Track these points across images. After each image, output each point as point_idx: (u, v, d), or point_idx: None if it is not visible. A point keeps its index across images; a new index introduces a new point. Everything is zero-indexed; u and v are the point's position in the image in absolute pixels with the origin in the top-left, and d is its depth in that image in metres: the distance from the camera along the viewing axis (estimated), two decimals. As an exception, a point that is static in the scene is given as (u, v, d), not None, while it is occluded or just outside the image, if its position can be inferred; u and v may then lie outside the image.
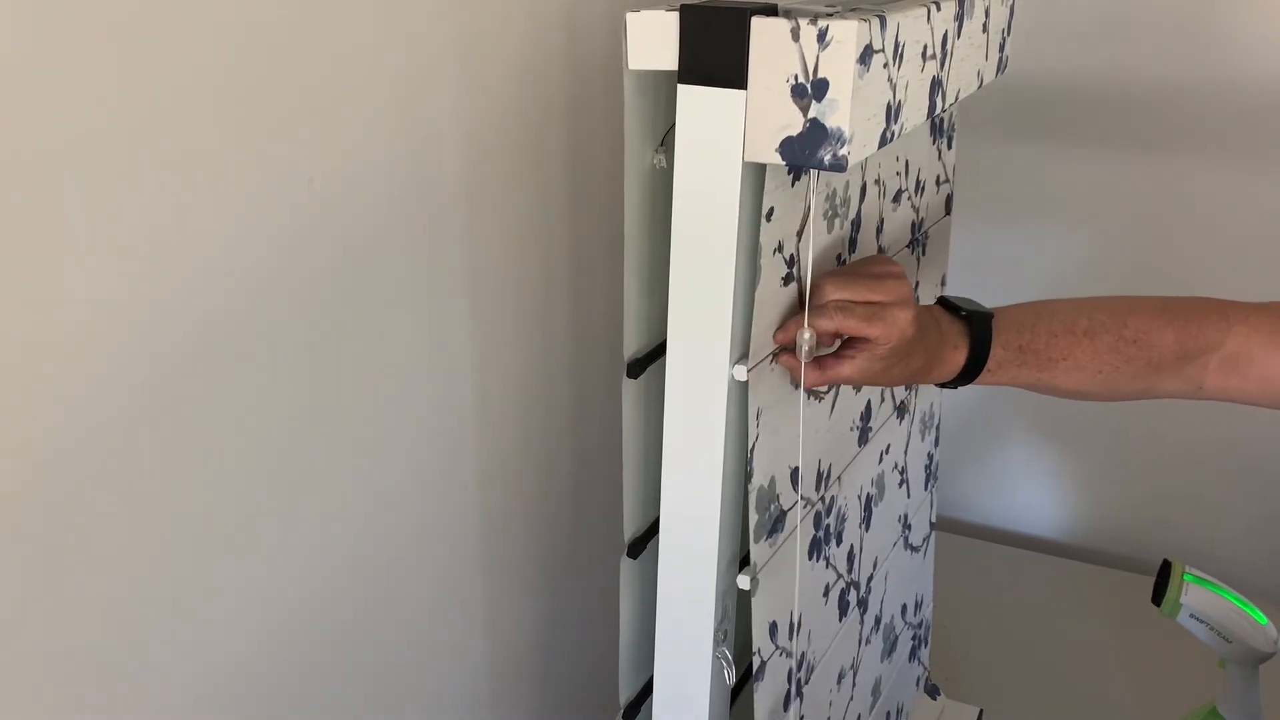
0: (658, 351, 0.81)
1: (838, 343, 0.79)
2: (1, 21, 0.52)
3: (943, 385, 0.86)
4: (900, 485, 1.09)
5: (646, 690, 0.89)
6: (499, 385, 0.98)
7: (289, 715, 0.80)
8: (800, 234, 0.76)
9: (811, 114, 0.64)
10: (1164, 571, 1.08)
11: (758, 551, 0.78)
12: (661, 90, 0.74)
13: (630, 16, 0.68)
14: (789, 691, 0.86)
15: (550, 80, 0.96)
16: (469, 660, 1.01)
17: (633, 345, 0.80)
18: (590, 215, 1.06)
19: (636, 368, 0.80)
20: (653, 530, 0.84)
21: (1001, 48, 0.98)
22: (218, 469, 0.70)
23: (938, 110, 0.81)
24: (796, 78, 0.63)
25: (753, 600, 0.78)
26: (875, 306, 0.75)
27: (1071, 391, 0.86)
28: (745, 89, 0.65)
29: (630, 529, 0.84)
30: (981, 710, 1.31)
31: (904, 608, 1.16)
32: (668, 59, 0.67)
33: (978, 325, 0.83)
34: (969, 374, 0.83)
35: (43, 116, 0.55)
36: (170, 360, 0.65)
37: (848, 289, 0.75)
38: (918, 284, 1.04)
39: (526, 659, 1.10)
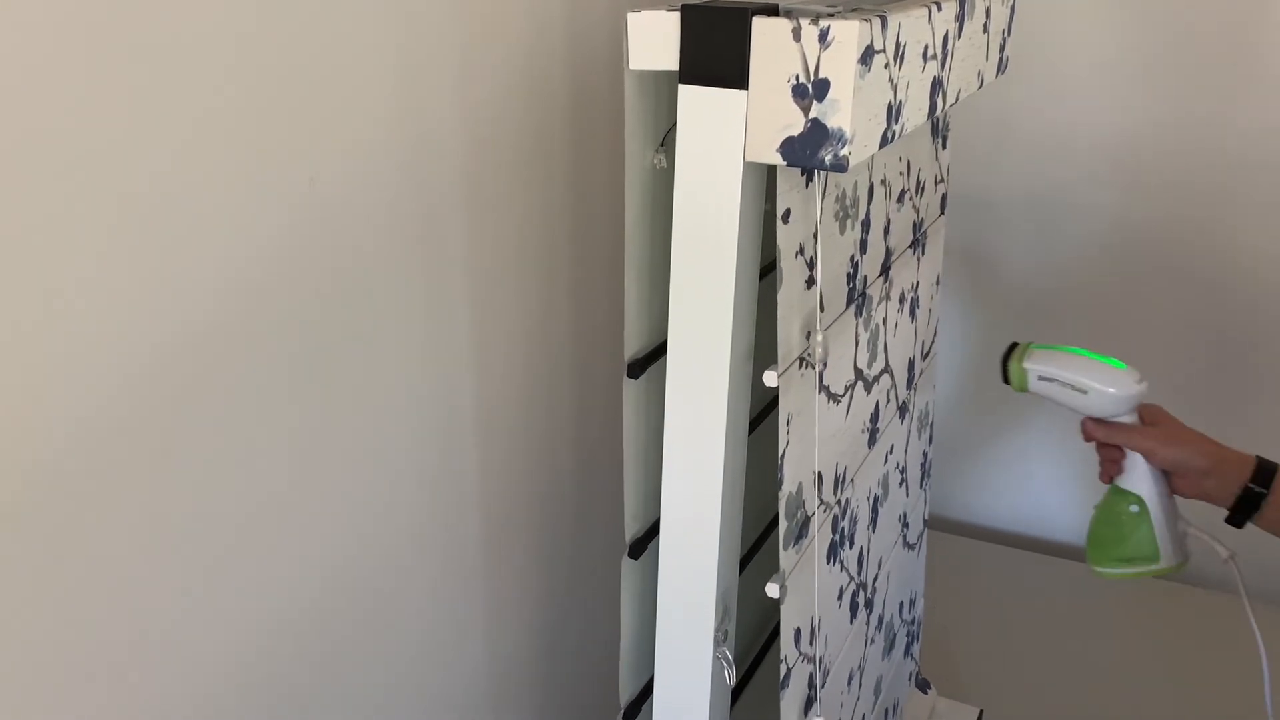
0: (659, 352, 0.81)
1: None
2: (1, 19, 0.52)
3: (1232, 513, 0.97)
4: (900, 484, 1.09)
5: (647, 691, 0.89)
6: (499, 385, 0.98)
7: (290, 716, 0.80)
8: (815, 236, 0.76)
9: (813, 114, 0.64)
10: (1010, 351, 1.04)
11: (786, 559, 0.78)
12: (662, 90, 0.74)
13: (631, 16, 0.68)
14: (809, 696, 0.86)
15: (551, 80, 0.96)
16: (470, 661, 1.01)
17: (633, 345, 0.80)
18: (591, 215, 1.06)
19: (637, 368, 0.79)
20: (655, 530, 0.84)
21: (1002, 48, 0.98)
22: (217, 470, 0.70)
23: (939, 110, 0.81)
24: (798, 78, 0.63)
25: (782, 608, 0.78)
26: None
27: None
28: (746, 89, 0.65)
29: (632, 529, 0.84)
30: (981, 710, 1.31)
31: (901, 605, 1.16)
32: (669, 59, 0.67)
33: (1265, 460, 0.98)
34: (1263, 476, 0.96)
35: (42, 115, 0.55)
36: (170, 360, 0.65)
37: None
38: (917, 284, 1.05)
39: (527, 659, 1.10)
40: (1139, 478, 1.00)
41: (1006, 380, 1.04)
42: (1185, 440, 0.98)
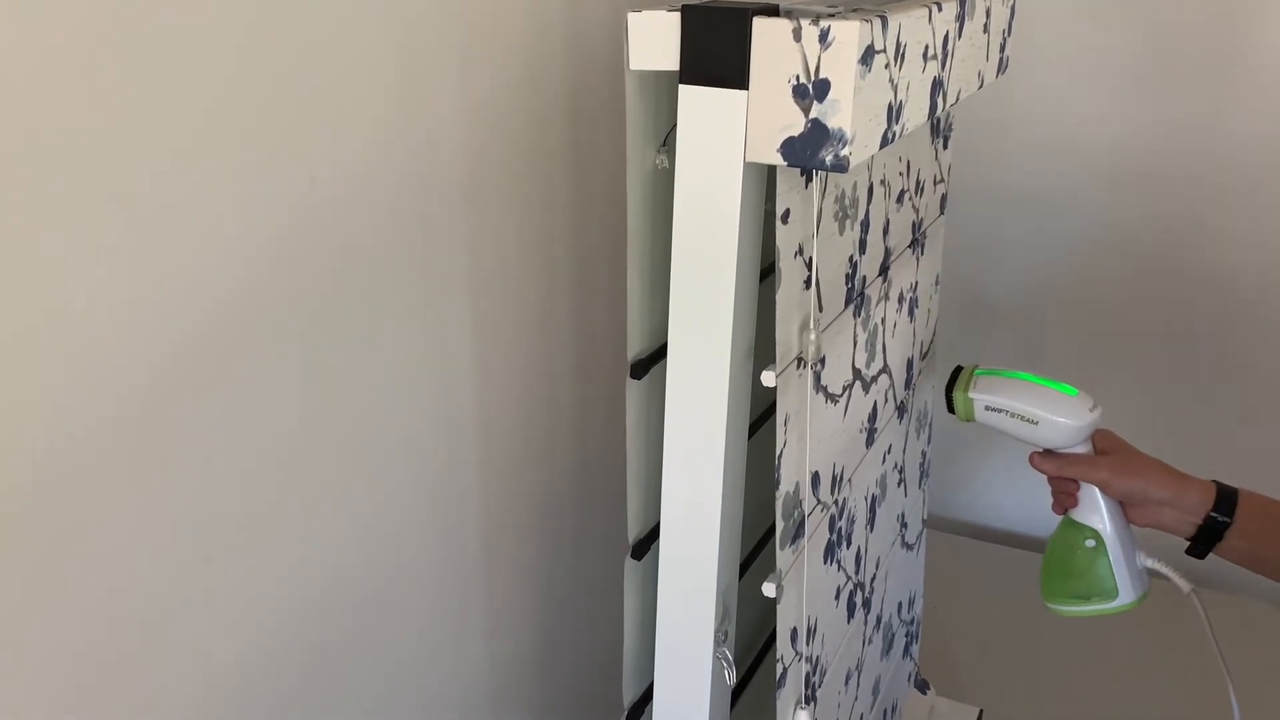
0: (662, 352, 0.81)
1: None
2: (1, 18, 0.52)
3: (1194, 544, 0.93)
4: (899, 484, 1.09)
5: (651, 693, 0.89)
6: (499, 385, 0.98)
7: (290, 716, 0.80)
8: (814, 236, 0.76)
9: (813, 114, 0.64)
10: (954, 377, 0.98)
11: (782, 559, 0.78)
12: (663, 91, 0.74)
13: (632, 17, 0.68)
14: (804, 695, 0.86)
15: (551, 80, 0.96)
16: (470, 661, 1.01)
17: (636, 346, 0.80)
18: (592, 216, 1.06)
19: (640, 368, 0.79)
20: (658, 531, 0.84)
21: (1002, 48, 0.98)
22: (216, 470, 0.69)
23: (939, 111, 0.81)
24: (798, 78, 0.63)
25: (778, 608, 0.78)
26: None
27: None
28: (747, 89, 0.65)
29: (635, 530, 0.84)
30: (981, 710, 1.31)
31: (899, 605, 1.16)
32: (669, 59, 0.67)
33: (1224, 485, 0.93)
34: (1225, 504, 0.91)
35: (42, 115, 0.55)
36: (169, 360, 0.65)
37: None
38: (916, 284, 1.05)
39: (527, 660, 1.10)
40: (1095, 510, 0.95)
41: (951, 409, 0.98)
42: (1142, 470, 0.93)
